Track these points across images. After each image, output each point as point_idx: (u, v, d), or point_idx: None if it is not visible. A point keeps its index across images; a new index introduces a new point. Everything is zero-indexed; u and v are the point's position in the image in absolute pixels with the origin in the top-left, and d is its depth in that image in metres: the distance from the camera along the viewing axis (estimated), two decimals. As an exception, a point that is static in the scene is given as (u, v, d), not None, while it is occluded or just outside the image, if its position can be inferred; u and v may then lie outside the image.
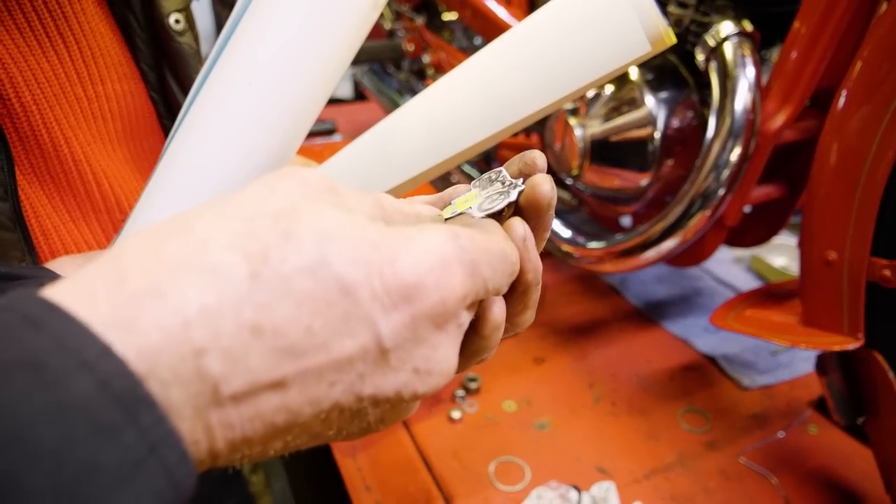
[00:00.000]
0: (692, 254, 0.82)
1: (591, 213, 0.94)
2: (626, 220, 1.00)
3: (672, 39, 0.48)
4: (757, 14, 0.69)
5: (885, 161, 0.55)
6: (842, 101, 0.58)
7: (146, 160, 0.60)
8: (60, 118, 0.50)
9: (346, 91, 1.69)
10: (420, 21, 1.20)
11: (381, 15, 1.32)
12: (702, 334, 1.00)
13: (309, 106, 0.49)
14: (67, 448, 0.16)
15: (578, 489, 0.73)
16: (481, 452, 0.80)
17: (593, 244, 0.82)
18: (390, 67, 1.42)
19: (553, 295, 1.11)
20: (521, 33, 0.50)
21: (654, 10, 0.46)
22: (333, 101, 1.77)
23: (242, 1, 0.48)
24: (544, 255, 1.16)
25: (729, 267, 1.18)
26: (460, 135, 0.53)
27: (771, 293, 0.77)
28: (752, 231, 0.88)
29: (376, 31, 1.38)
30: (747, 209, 0.88)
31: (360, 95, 1.98)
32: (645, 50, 0.48)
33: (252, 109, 0.46)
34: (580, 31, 0.48)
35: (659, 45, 0.48)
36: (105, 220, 0.54)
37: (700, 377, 0.93)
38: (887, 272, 0.57)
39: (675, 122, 0.74)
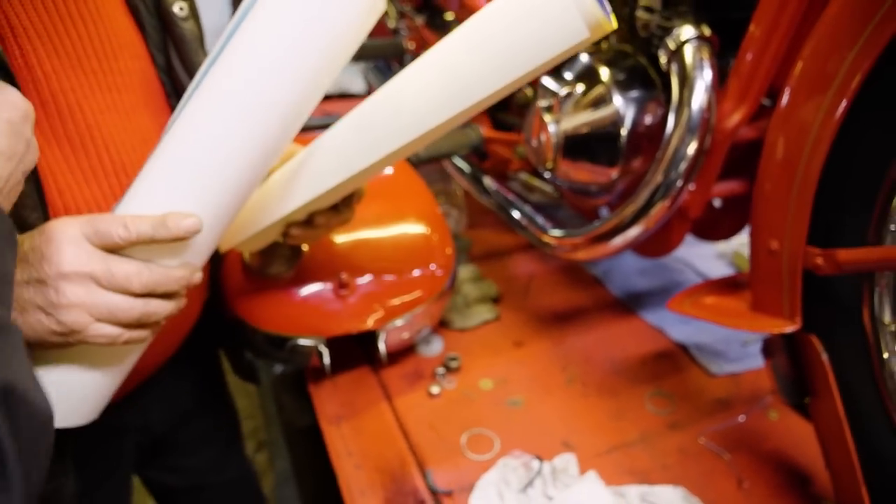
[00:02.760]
0: (660, 243, 0.87)
1: (570, 205, 1.00)
2: (605, 213, 1.05)
3: (611, 26, 0.54)
4: (717, 20, 0.74)
5: (819, 154, 0.60)
6: (785, 97, 0.63)
7: (154, 132, 0.67)
8: (76, 87, 0.58)
9: (359, 86, 1.75)
10: (420, 20, 1.26)
11: (386, 14, 1.39)
12: (676, 324, 1.04)
13: (301, 104, 0.55)
14: None
15: (541, 459, 0.78)
16: (455, 425, 0.86)
17: (567, 234, 0.87)
18: (394, 65, 1.49)
19: (538, 284, 1.16)
20: (475, 23, 0.56)
21: (592, 0, 0.51)
22: (347, 96, 1.83)
23: (247, 3, 0.54)
24: (530, 246, 1.22)
25: (711, 262, 1.22)
26: (423, 116, 0.59)
27: (733, 282, 0.81)
28: (722, 225, 0.92)
29: (381, 30, 1.44)
30: (717, 204, 0.93)
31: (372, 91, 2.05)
32: (584, 36, 0.54)
33: (246, 107, 0.53)
34: (526, 20, 0.54)
35: (597, 32, 0.54)
36: (114, 183, 0.62)
37: (670, 364, 0.98)
38: (819, 260, 0.61)
39: (642, 120, 0.79)
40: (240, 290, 0.85)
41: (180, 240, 0.52)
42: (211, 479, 1.09)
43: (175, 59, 0.69)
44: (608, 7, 0.52)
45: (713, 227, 0.94)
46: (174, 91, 0.71)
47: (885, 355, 0.61)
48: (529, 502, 0.73)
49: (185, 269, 0.55)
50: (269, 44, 0.52)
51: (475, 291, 1.09)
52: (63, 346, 0.52)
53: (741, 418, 0.87)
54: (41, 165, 0.57)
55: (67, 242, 0.49)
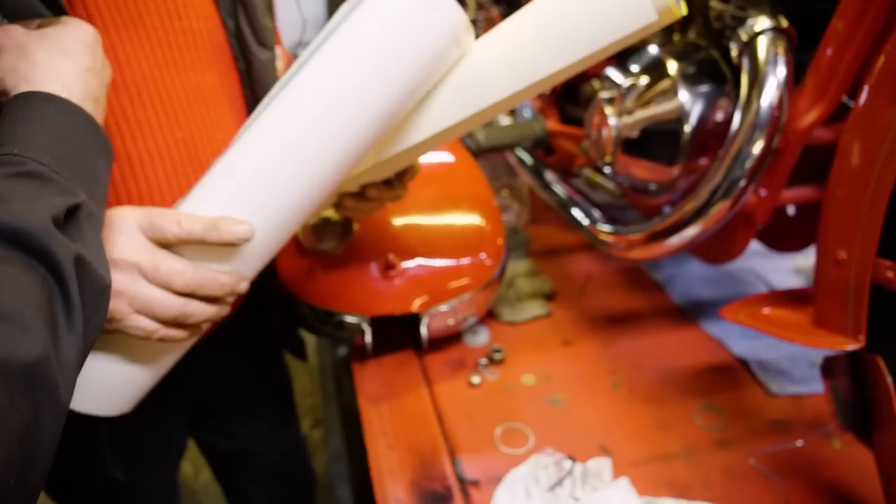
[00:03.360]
0: (722, 249, 0.82)
1: (632, 204, 0.96)
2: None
3: (680, 13, 0.52)
4: (798, 11, 0.69)
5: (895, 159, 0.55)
6: (863, 97, 0.58)
7: (218, 91, 0.70)
8: (135, 40, 0.62)
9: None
10: (496, 12, 1.25)
11: (466, 5, 1.38)
12: (739, 338, 0.98)
13: (370, 136, 0.56)
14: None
15: (574, 460, 0.76)
16: (492, 416, 0.85)
17: (622, 231, 0.84)
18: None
19: (595, 284, 1.13)
20: (548, 2, 0.56)
21: None
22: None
23: (336, 20, 0.55)
24: (591, 246, 1.18)
25: (787, 277, 1.14)
26: (484, 92, 0.59)
27: (798, 295, 0.76)
28: (795, 234, 0.86)
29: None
30: (790, 211, 0.87)
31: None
32: (652, 19, 0.52)
33: (316, 131, 0.54)
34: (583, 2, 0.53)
35: (666, 17, 0.52)
36: (167, 135, 0.65)
37: (727, 378, 0.92)
38: (890, 273, 0.56)
39: (709, 117, 0.75)
40: (291, 263, 0.87)
41: (231, 245, 0.53)
42: (260, 447, 1.13)
43: (244, 24, 0.72)
44: None
45: (785, 236, 0.88)
46: (242, 55, 0.74)
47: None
48: (556, 501, 0.71)
49: (231, 276, 0.55)
50: (346, 72, 0.52)
51: (528, 286, 1.07)
52: (104, 333, 0.55)
53: (799, 443, 0.81)
54: (120, 116, 0.61)
55: (122, 231, 0.51)
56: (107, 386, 0.60)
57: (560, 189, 1.01)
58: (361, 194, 0.72)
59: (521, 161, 1.13)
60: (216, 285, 0.54)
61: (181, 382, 0.89)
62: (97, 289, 0.43)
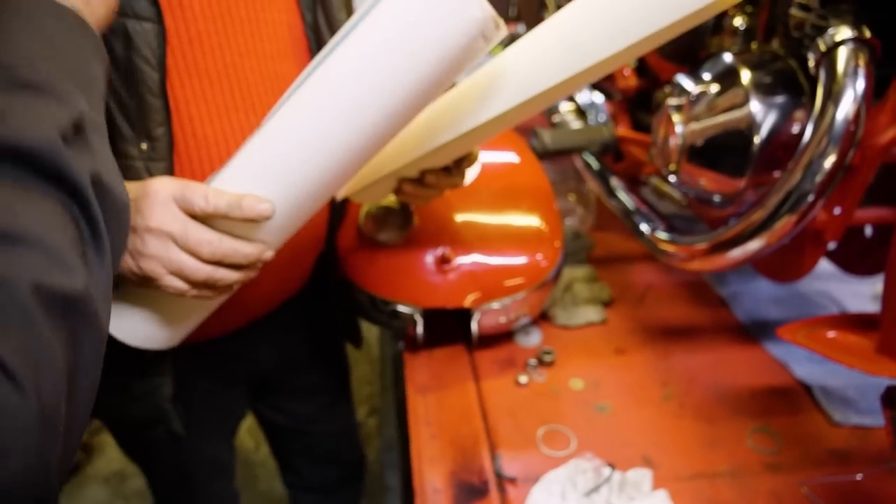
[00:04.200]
0: (789, 266, 0.79)
1: (697, 215, 0.94)
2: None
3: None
4: (884, 21, 0.66)
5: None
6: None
7: (291, 81, 0.75)
8: (220, 29, 0.67)
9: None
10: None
11: (545, 7, 1.39)
12: (803, 361, 0.94)
13: (393, 125, 0.57)
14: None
15: (614, 467, 0.75)
16: (536, 417, 0.85)
17: (683, 241, 0.83)
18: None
19: (655, 294, 1.11)
20: None
21: None
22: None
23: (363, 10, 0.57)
24: (652, 256, 1.16)
25: (864, 302, 1.08)
26: (540, 76, 0.60)
27: (865, 320, 0.72)
28: (871, 257, 0.82)
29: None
30: (868, 233, 0.83)
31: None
32: (707, 1, 0.53)
33: (338, 116, 0.55)
34: None
35: (723, 3, 0.52)
36: (242, 119, 0.69)
37: (786, 402, 0.88)
38: (961, 302, 0.53)
39: (782, 129, 0.72)
40: (352, 251, 0.91)
41: (253, 222, 0.57)
42: (315, 427, 1.18)
43: (321, 18, 0.76)
44: None
45: (862, 258, 0.84)
46: (317, 46, 0.77)
47: None
48: (586, 501, 0.70)
49: (255, 247, 0.59)
50: (370, 61, 0.53)
51: (586, 292, 1.06)
52: (145, 287, 0.60)
53: (858, 476, 0.77)
54: (176, 92, 0.66)
55: (159, 203, 0.56)
56: (152, 326, 0.66)
57: (624, 196, 1.00)
58: (420, 180, 0.74)
59: (588, 166, 1.13)
60: (240, 256, 0.58)
61: (244, 355, 0.95)
62: (118, 207, 0.41)
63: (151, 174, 0.67)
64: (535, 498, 0.72)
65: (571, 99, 1.25)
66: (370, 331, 2.48)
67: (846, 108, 0.64)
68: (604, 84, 1.18)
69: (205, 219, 0.57)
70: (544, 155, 1.02)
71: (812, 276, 0.84)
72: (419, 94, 0.55)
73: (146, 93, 0.64)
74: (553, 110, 1.24)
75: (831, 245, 0.81)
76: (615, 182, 1.04)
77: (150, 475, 1.08)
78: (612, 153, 1.08)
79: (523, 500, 0.73)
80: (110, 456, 1.90)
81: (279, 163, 0.57)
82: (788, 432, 0.84)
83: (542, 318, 1.03)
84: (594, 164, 1.11)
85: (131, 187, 0.57)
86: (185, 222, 0.56)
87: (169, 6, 0.64)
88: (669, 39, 0.58)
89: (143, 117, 0.65)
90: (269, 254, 0.61)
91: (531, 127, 1.09)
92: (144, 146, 0.66)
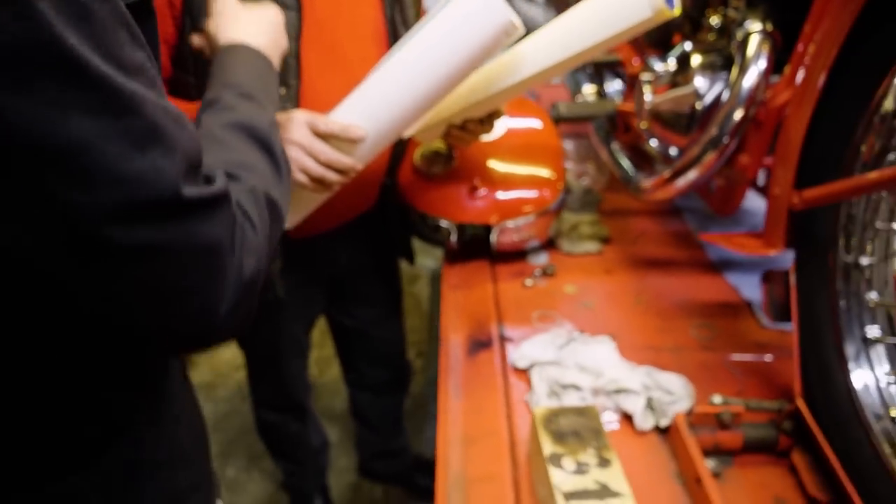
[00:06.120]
0: (724, 200, 1.07)
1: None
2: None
3: (671, 14, 0.81)
4: (786, 20, 0.94)
5: (801, 124, 0.80)
6: (799, 74, 0.83)
7: (375, 57, 1.07)
8: (335, 18, 1.01)
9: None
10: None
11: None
12: (750, 287, 1.20)
13: (439, 94, 0.89)
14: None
15: (581, 332, 1.05)
16: (534, 305, 1.16)
17: (648, 177, 1.12)
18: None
19: (646, 239, 1.40)
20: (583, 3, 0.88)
21: None
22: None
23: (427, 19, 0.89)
24: (653, 213, 1.44)
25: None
26: (528, 68, 0.92)
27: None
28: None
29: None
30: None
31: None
32: (647, 16, 0.83)
33: (404, 81, 0.88)
34: (607, 2, 0.85)
35: (660, 16, 0.82)
36: (345, 79, 1.02)
37: (730, 311, 1.16)
38: (796, 199, 0.81)
39: (717, 98, 1.01)
40: (408, 181, 1.24)
41: (352, 142, 0.89)
42: (374, 331, 1.51)
43: (397, 13, 1.10)
44: (676, 1, 0.81)
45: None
46: (393, 33, 1.11)
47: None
48: (559, 352, 1.01)
49: (349, 160, 0.90)
50: (434, 48, 0.86)
51: (588, 230, 1.36)
52: None
53: (767, 357, 1.04)
54: (305, 57, 1.01)
55: (296, 124, 0.88)
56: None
57: (619, 153, 1.30)
58: (463, 127, 1.07)
59: (598, 136, 1.43)
60: (340, 164, 0.90)
61: (325, 256, 1.29)
62: (288, 168, 0.67)
63: (285, 109, 1.02)
64: (523, 349, 1.03)
65: (594, 82, 1.56)
66: (422, 290, 2.84)
67: (751, 79, 0.93)
68: (619, 70, 1.48)
69: (323, 138, 0.91)
70: (559, 120, 1.33)
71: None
72: (464, 69, 0.88)
73: (288, 56, 0.99)
74: (577, 90, 1.55)
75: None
76: (615, 146, 1.34)
77: (248, 351, 1.44)
78: (614, 122, 1.38)
79: (515, 350, 1.04)
80: (203, 369, 2.31)
81: (372, 108, 0.90)
82: (725, 329, 1.11)
83: (551, 246, 1.33)
84: (601, 132, 1.41)
85: (280, 116, 0.91)
86: (311, 138, 0.89)
87: (307, 2, 0.99)
88: (612, 46, 0.89)
89: (284, 72, 1.00)
90: (359, 166, 0.94)
91: (555, 101, 1.41)
92: (283, 91, 1.01)
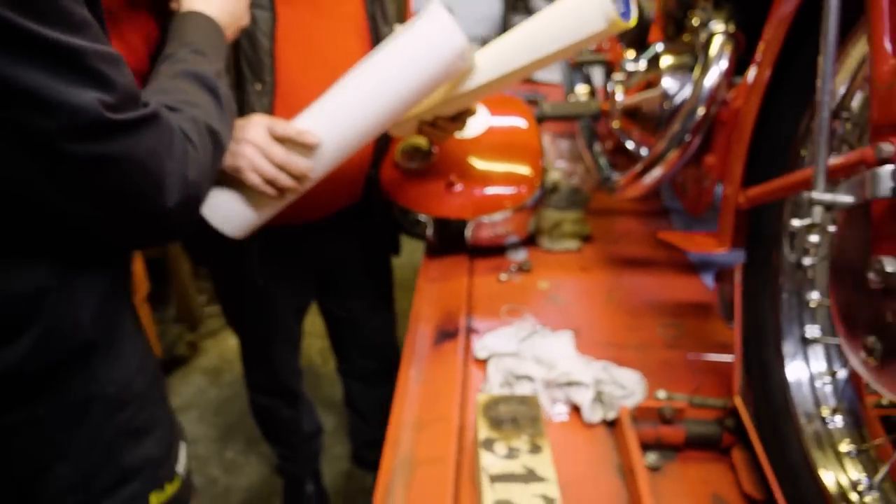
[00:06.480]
0: (693, 200, 1.08)
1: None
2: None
3: (626, 26, 0.83)
4: (750, 23, 0.94)
5: (748, 122, 0.81)
6: (750, 74, 0.84)
7: (357, 53, 1.09)
8: (311, 15, 1.05)
9: (557, 76, 2.09)
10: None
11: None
12: (724, 287, 1.21)
13: (394, 112, 0.92)
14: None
15: (543, 326, 1.07)
16: (505, 300, 1.18)
17: (619, 175, 1.13)
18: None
19: (628, 240, 1.40)
20: (540, 14, 0.90)
21: (610, 5, 0.83)
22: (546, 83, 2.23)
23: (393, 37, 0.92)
24: (638, 214, 1.44)
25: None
26: (489, 73, 0.94)
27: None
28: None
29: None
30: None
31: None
32: (602, 27, 0.84)
33: (362, 98, 0.92)
34: (569, 12, 0.87)
35: (614, 27, 0.84)
36: (321, 75, 1.05)
37: (700, 312, 1.16)
38: (742, 198, 0.82)
39: (684, 98, 1.02)
40: (389, 176, 1.28)
41: (307, 148, 0.91)
42: (365, 322, 1.55)
43: (377, 9, 1.13)
44: (632, 12, 0.82)
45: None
46: (374, 28, 1.14)
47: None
48: (520, 345, 1.03)
49: (305, 165, 0.92)
50: (397, 67, 0.89)
51: (570, 228, 1.37)
52: (235, 180, 0.95)
53: (728, 357, 1.04)
54: (280, 55, 1.05)
55: (254, 126, 0.91)
56: (232, 215, 1.00)
57: (599, 154, 1.31)
58: (434, 124, 1.10)
59: (583, 134, 1.44)
60: (295, 167, 0.92)
61: (312, 245, 1.33)
62: (233, 109, 0.81)
63: (262, 104, 1.06)
64: (485, 340, 1.06)
65: (588, 82, 1.57)
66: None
67: (712, 78, 0.93)
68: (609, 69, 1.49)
69: (281, 142, 0.94)
70: (542, 119, 1.34)
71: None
72: (425, 89, 0.91)
73: (262, 54, 1.03)
74: (570, 90, 1.56)
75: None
76: (597, 146, 1.35)
77: (241, 337, 1.49)
78: (599, 122, 1.39)
79: (478, 341, 1.07)
80: (211, 355, 2.39)
81: (328, 121, 0.93)
82: (692, 328, 1.12)
83: (531, 243, 1.35)
84: (586, 132, 1.42)
85: (240, 119, 0.94)
86: (268, 139, 0.92)
87: (281, 5, 1.03)
88: (569, 56, 0.91)
89: (259, 69, 1.04)
90: (312, 176, 0.96)
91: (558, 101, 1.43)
92: (258, 87, 1.05)
